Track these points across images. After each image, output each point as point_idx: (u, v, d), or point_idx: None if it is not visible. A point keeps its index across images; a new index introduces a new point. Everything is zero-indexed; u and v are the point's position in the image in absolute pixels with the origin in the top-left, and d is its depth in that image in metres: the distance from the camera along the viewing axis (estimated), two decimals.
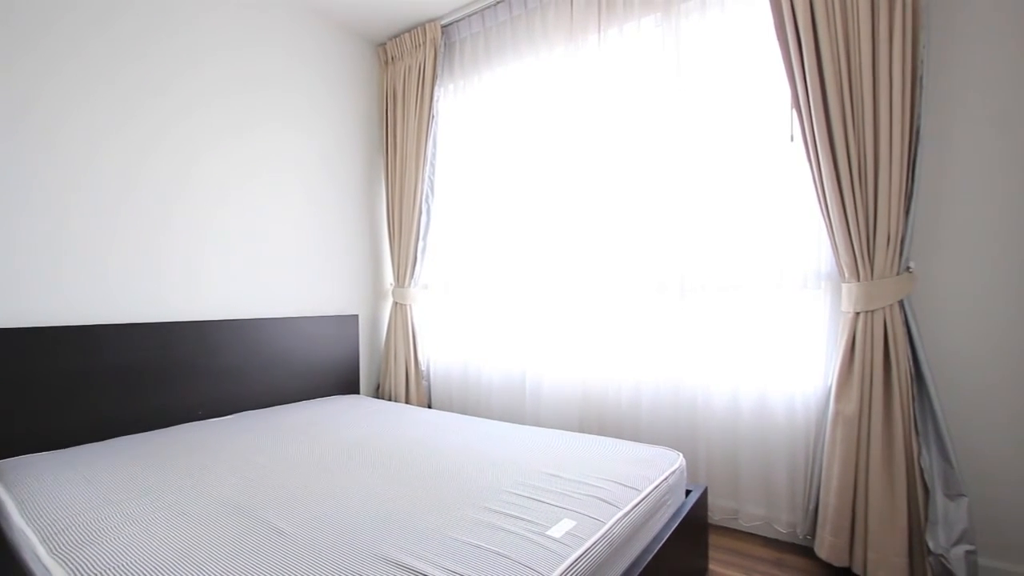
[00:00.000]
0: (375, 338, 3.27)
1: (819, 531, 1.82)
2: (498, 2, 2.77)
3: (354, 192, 3.13)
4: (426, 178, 2.99)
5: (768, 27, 1.99)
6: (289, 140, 2.75)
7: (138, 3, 2.17)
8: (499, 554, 1.08)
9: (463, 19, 2.92)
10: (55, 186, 1.94)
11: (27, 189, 1.87)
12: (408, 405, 2.60)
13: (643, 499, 1.44)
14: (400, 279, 3.11)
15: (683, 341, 2.24)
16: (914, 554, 1.65)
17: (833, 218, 1.78)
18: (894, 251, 1.70)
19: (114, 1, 2.09)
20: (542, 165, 2.66)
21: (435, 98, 2.95)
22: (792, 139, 1.97)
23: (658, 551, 1.39)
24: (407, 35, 3.06)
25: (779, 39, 1.88)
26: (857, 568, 1.72)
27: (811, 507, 1.90)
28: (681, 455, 1.77)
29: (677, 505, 1.66)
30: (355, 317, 3.04)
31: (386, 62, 3.22)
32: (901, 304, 1.70)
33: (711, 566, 1.86)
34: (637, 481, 1.51)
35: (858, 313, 1.75)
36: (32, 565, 1.13)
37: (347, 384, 2.98)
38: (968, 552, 1.57)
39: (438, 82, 2.95)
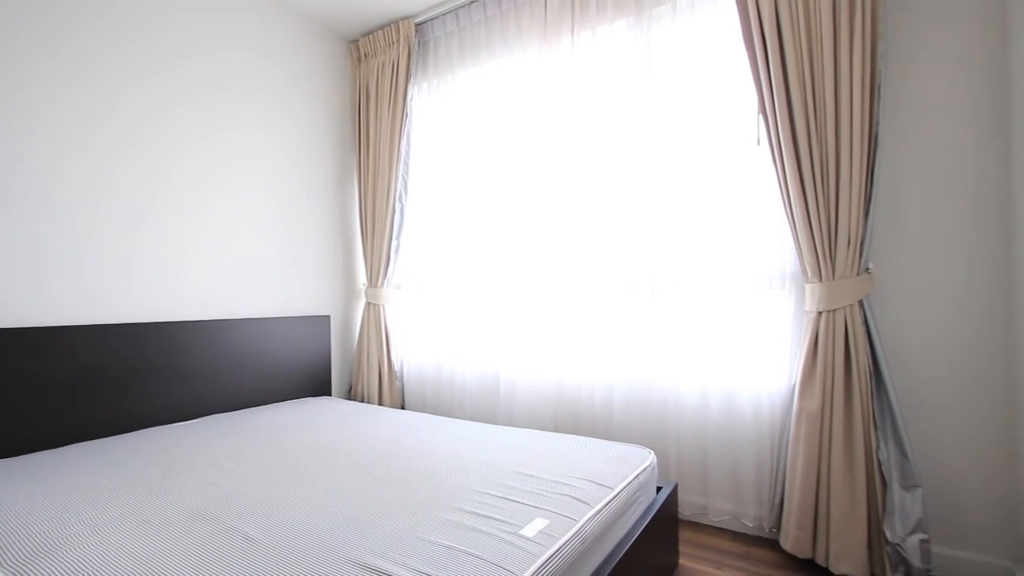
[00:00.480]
0: (347, 339, 3.23)
1: (784, 524, 1.88)
2: (472, 2, 2.77)
3: (326, 190, 3.08)
4: (400, 177, 2.96)
5: (737, 34, 2.04)
6: (259, 138, 2.69)
7: (119, 4, 2.10)
8: (471, 555, 1.08)
9: (437, 18, 2.91)
10: (24, 187, 1.87)
11: None
12: (381, 406, 2.58)
13: (615, 497, 1.46)
14: (373, 279, 3.07)
15: (655, 341, 2.28)
16: (873, 544, 1.72)
17: (797, 220, 1.84)
18: (854, 252, 1.76)
19: (89, 5, 2.02)
20: (516, 166, 2.67)
21: (409, 96, 2.92)
22: (759, 143, 2.03)
23: (629, 547, 1.41)
24: (380, 32, 3.03)
25: (747, 46, 1.93)
26: (820, 559, 1.78)
27: (777, 501, 1.96)
28: (652, 453, 1.80)
29: (648, 502, 1.69)
30: (327, 318, 2.99)
31: (359, 59, 3.18)
32: (861, 304, 1.77)
33: (681, 561, 1.90)
34: (609, 479, 1.53)
35: (820, 312, 1.81)
36: None
37: (318, 386, 2.94)
38: (922, 541, 1.64)
39: (412, 80, 2.93)
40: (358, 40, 3.19)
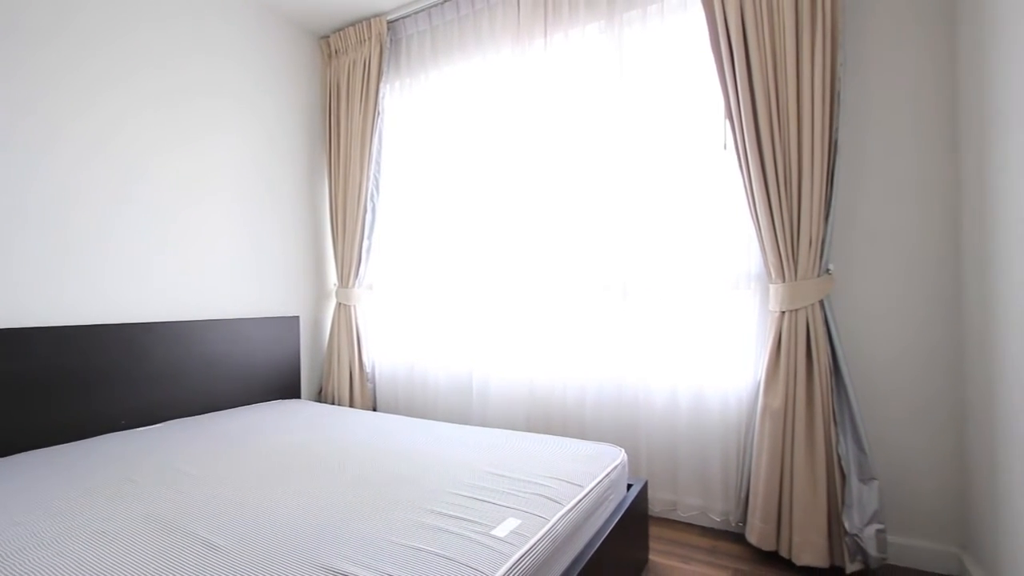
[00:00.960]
0: (317, 340, 3.17)
1: (750, 518, 1.93)
2: (445, 1, 2.75)
3: (296, 189, 3.02)
4: (371, 176, 2.93)
5: (705, 41, 2.09)
6: (226, 133, 2.62)
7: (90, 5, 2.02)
8: (442, 556, 1.07)
9: (410, 16, 2.88)
10: None
11: None
12: (352, 408, 2.54)
13: (586, 495, 1.48)
14: (344, 279, 3.03)
15: (626, 341, 2.31)
16: (833, 535, 1.78)
17: (761, 223, 1.90)
18: (815, 254, 1.83)
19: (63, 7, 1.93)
20: (490, 166, 2.67)
21: (381, 95, 2.89)
22: (725, 148, 2.08)
23: (600, 545, 1.42)
24: (351, 29, 2.98)
25: (714, 53, 1.98)
26: (783, 551, 1.84)
27: (743, 496, 2.02)
28: (623, 451, 1.83)
29: (619, 499, 1.71)
30: (296, 319, 2.93)
31: (329, 55, 3.13)
32: (821, 303, 1.83)
33: (651, 557, 1.93)
34: (580, 478, 1.55)
35: (784, 312, 1.87)
36: None
37: (287, 388, 2.88)
38: (879, 531, 1.71)
39: (384, 78, 2.89)
40: (328, 37, 3.14)
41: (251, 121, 2.76)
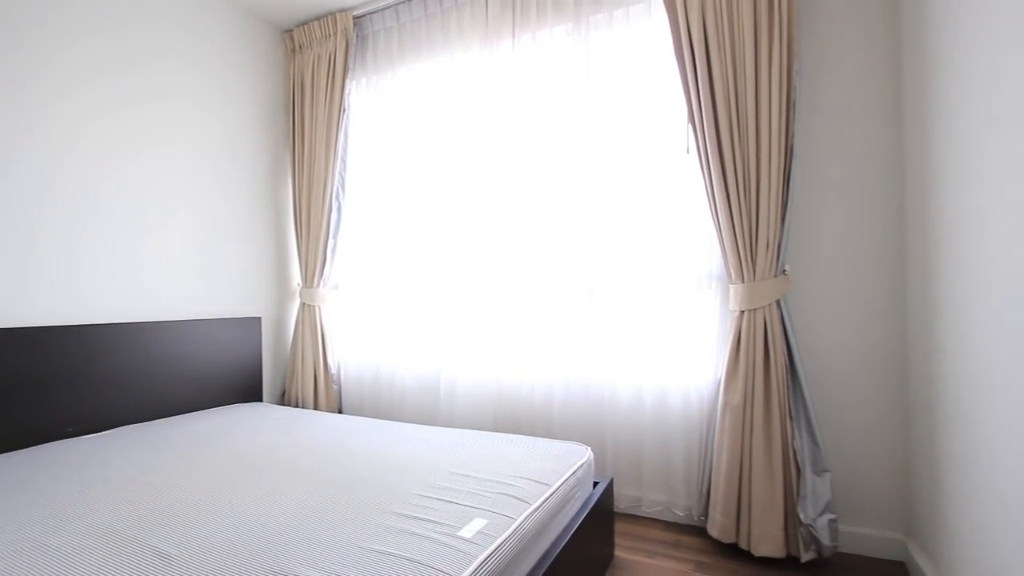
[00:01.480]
0: (280, 341, 3.09)
1: (711, 512, 1.99)
2: None
3: (258, 186, 2.94)
4: (337, 174, 2.87)
5: (669, 47, 2.13)
6: (183, 128, 2.52)
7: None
8: (408, 559, 1.06)
9: (376, 12, 2.84)
10: None
11: None
12: (316, 411, 2.49)
13: (553, 493, 1.49)
14: (308, 279, 2.96)
15: (592, 341, 2.34)
16: (789, 526, 1.85)
17: (722, 225, 1.96)
18: (772, 255, 1.89)
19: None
20: (457, 165, 2.66)
21: (347, 91, 2.84)
22: (688, 151, 2.13)
23: (567, 542, 1.44)
24: (316, 23, 2.92)
25: (677, 59, 2.03)
26: (743, 543, 1.90)
27: (704, 491, 2.07)
28: (589, 449, 1.85)
29: (585, 497, 1.73)
30: (257, 319, 2.85)
31: (293, 50, 3.05)
32: (778, 303, 1.90)
33: (616, 552, 1.96)
34: (547, 476, 1.56)
35: (743, 312, 1.93)
36: None
37: (248, 391, 2.79)
38: (831, 521, 1.79)
39: (350, 75, 2.84)
40: (292, 30, 3.06)
41: (210, 115, 2.67)
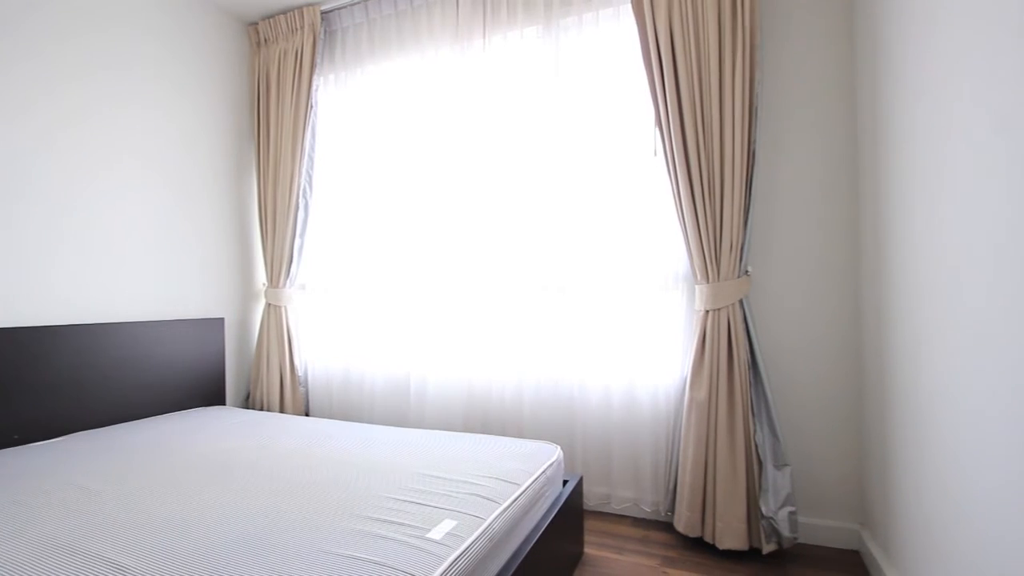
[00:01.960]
0: (244, 343, 3.00)
1: (678, 507, 2.03)
2: None
3: (220, 183, 2.85)
4: (304, 172, 2.81)
5: (637, 51, 2.17)
6: (139, 120, 2.42)
7: None
8: (376, 563, 1.05)
9: (345, 7, 2.80)
10: None
11: None
12: (282, 414, 2.43)
13: (522, 493, 1.50)
14: (274, 279, 2.89)
15: (562, 340, 2.36)
16: (751, 519, 1.91)
17: (688, 226, 2.00)
18: (735, 257, 1.95)
19: None
20: (427, 164, 2.64)
21: (314, 87, 2.78)
22: (655, 154, 2.18)
23: (536, 541, 1.45)
24: (282, 17, 2.85)
25: (645, 64, 2.06)
26: (708, 536, 1.95)
27: (671, 486, 2.12)
28: (559, 448, 1.87)
29: (555, 495, 1.74)
30: (220, 320, 2.76)
31: (258, 43, 2.98)
32: (741, 303, 1.96)
33: (586, 550, 1.99)
34: (517, 476, 1.57)
35: (708, 311, 1.98)
36: None
37: (211, 395, 2.70)
38: (791, 513, 1.85)
39: (317, 71, 2.79)
40: (257, 23, 2.98)
41: (170, 109, 2.57)
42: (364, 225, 2.82)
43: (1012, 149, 0.96)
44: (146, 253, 2.46)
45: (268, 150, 2.90)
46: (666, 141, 2.03)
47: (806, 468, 2.04)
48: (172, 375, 2.50)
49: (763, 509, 1.86)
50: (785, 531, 1.84)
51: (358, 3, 2.76)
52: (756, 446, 1.90)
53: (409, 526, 1.22)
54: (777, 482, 1.88)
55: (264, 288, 2.98)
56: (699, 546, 2.00)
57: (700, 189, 1.97)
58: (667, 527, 2.16)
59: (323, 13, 2.83)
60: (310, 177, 2.86)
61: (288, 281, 2.87)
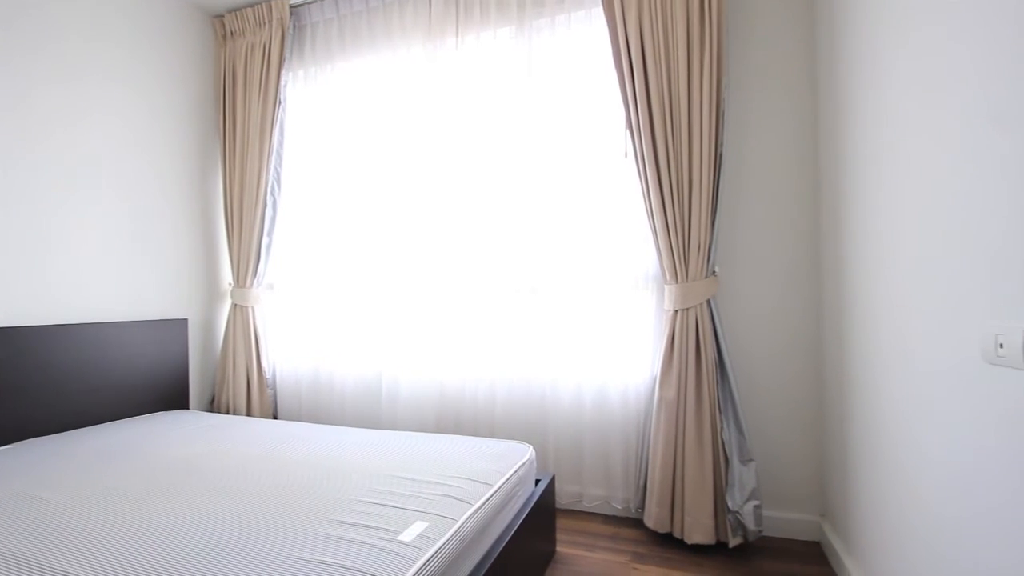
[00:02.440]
0: (209, 345, 2.92)
1: (648, 504, 2.07)
2: None
3: (184, 179, 2.76)
4: (272, 169, 2.75)
5: (609, 54, 2.20)
6: (97, 112, 2.33)
7: None
8: (345, 567, 1.04)
9: (315, 1, 2.75)
10: None
11: None
12: (249, 417, 2.37)
13: (495, 493, 1.50)
14: (240, 279, 2.81)
15: (534, 340, 2.37)
16: (718, 513, 1.96)
17: (657, 227, 2.04)
18: (703, 257, 2.00)
19: None
20: (399, 163, 2.62)
21: (282, 83, 2.72)
22: (626, 156, 2.21)
23: (508, 541, 1.45)
24: (250, 10, 2.78)
25: (616, 67, 2.09)
26: (677, 532, 1.99)
27: (641, 483, 2.15)
28: (531, 447, 1.88)
29: (527, 495, 1.75)
30: (183, 321, 2.68)
31: (224, 37, 2.89)
32: (708, 303, 2.00)
33: (558, 548, 2.00)
34: (489, 476, 1.57)
35: (677, 311, 2.02)
36: None
37: (173, 398, 2.62)
38: (756, 506, 1.91)
39: (286, 66, 2.73)
40: (223, 16, 2.90)
41: (130, 102, 2.48)
42: (334, 224, 2.78)
43: (960, 154, 1.01)
44: (107, 252, 2.36)
45: (235, 146, 2.83)
46: (636, 143, 2.07)
47: (770, 463, 2.10)
48: (132, 378, 2.41)
49: (729, 504, 1.91)
50: (751, 524, 1.89)
51: None
52: (723, 443, 1.95)
53: (379, 529, 1.21)
54: (743, 477, 1.93)
55: (230, 288, 2.90)
56: (668, 541, 2.04)
57: (669, 190, 2.01)
58: (637, 524, 2.19)
59: (292, 7, 2.77)
60: (278, 174, 2.80)
61: (255, 281, 2.80)
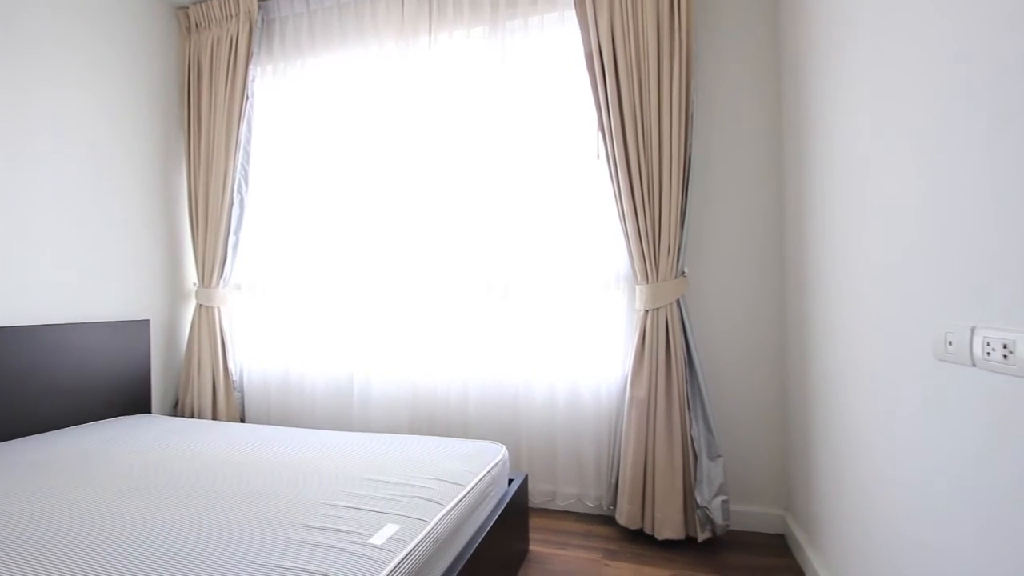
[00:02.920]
0: (173, 346, 2.83)
1: (619, 501, 2.09)
2: None
3: (146, 174, 2.66)
4: (239, 166, 2.68)
5: (581, 56, 2.22)
6: (53, 104, 2.23)
7: None
8: (313, 572, 1.02)
9: None
10: None
11: None
12: (215, 421, 2.30)
13: (467, 493, 1.50)
14: (206, 278, 2.74)
15: (507, 340, 2.38)
16: (688, 509, 2.00)
17: (628, 228, 2.07)
18: (673, 258, 2.03)
19: None
20: (371, 161, 2.58)
21: (250, 78, 2.66)
22: (598, 157, 2.23)
23: (481, 541, 1.45)
24: (216, 2, 2.71)
25: (588, 70, 2.11)
26: (648, 528, 2.02)
27: (613, 481, 2.18)
28: (504, 447, 1.88)
29: (500, 495, 1.75)
30: (146, 323, 2.59)
31: (188, 29, 2.81)
32: (678, 303, 2.04)
33: (531, 547, 2.01)
34: (461, 476, 1.56)
35: (647, 311, 2.06)
36: None
37: (134, 403, 2.53)
38: (723, 501, 1.96)
39: (254, 60, 2.67)
40: (187, 7, 2.82)
41: (88, 93, 2.38)
42: (304, 223, 2.73)
43: (913, 160, 1.05)
44: (65, 251, 2.27)
45: (200, 142, 2.75)
46: (608, 145, 2.09)
47: (737, 459, 2.16)
48: (90, 382, 2.32)
49: (698, 499, 1.95)
50: (718, 519, 1.94)
51: None
52: (692, 439, 1.99)
53: (350, 532, 1.19)
54: (711, 473, 1.98)
55: (195, 288, 2.82)
56: (639, 538, 2.07)
57: (640, 192, 2.04)
58: (609, 521, 2.22)
59: (260, 1, 2.71)
60: (246, 172, 2.73)
61: (222, 281, 2.73)
